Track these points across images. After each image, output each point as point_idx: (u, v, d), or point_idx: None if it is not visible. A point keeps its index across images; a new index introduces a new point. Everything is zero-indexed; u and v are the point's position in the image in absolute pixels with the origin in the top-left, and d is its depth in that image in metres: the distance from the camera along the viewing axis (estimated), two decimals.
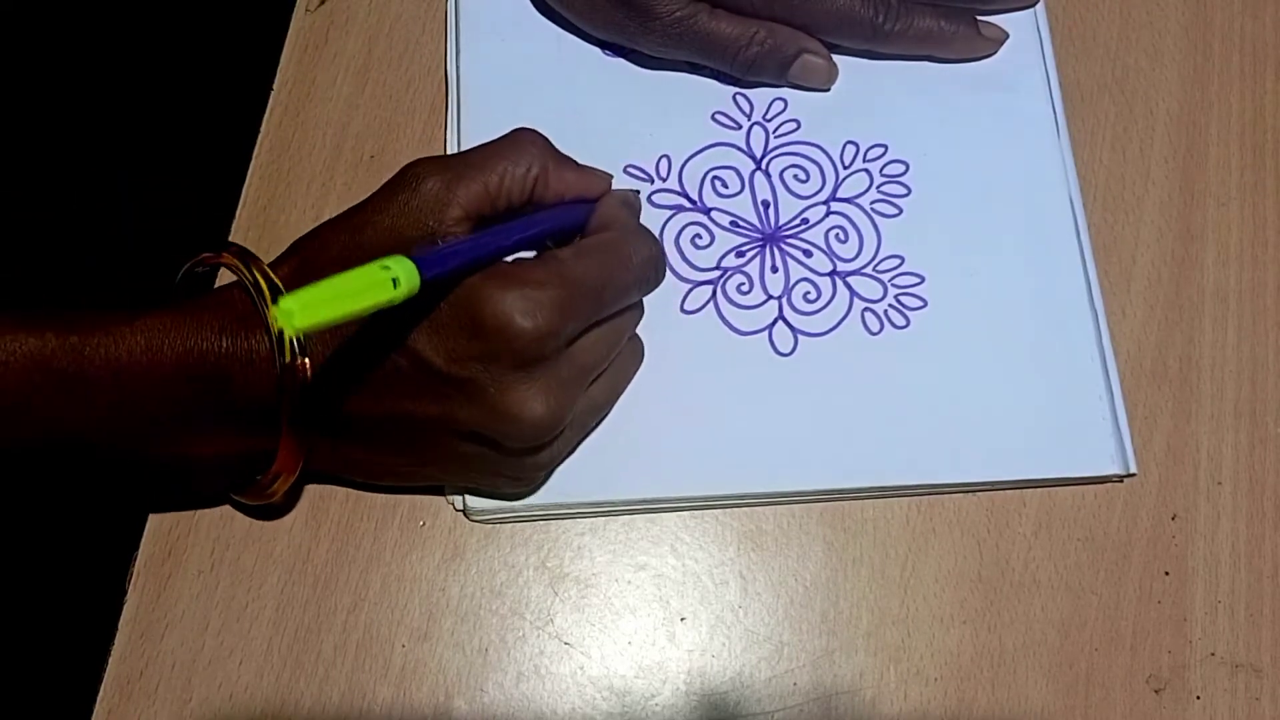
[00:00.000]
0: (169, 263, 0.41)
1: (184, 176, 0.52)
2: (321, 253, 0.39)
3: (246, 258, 0.39)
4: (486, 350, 0.37)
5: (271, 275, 0.38)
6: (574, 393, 0.40)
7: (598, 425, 0.44)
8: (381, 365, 0.38)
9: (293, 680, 0.42)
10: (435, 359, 0.37)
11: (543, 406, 0.38)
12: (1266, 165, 0.51)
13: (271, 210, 0.48)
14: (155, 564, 0.43)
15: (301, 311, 0.29)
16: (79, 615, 0.46)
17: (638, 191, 0.47)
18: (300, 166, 0.49)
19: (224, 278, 0.42)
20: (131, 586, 0.43)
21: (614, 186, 0.45)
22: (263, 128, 0.50)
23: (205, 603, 0.43)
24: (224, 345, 0.37)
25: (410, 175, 0.39)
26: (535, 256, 0.40)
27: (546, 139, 0.42)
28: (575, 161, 0.43)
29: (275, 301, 0.37)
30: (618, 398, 0.44)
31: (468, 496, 0.44)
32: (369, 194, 0.40)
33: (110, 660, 0.42)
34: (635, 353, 0.45)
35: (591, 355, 0.40)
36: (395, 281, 0.31)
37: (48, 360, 0.36)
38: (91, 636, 0.43)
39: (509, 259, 0.39)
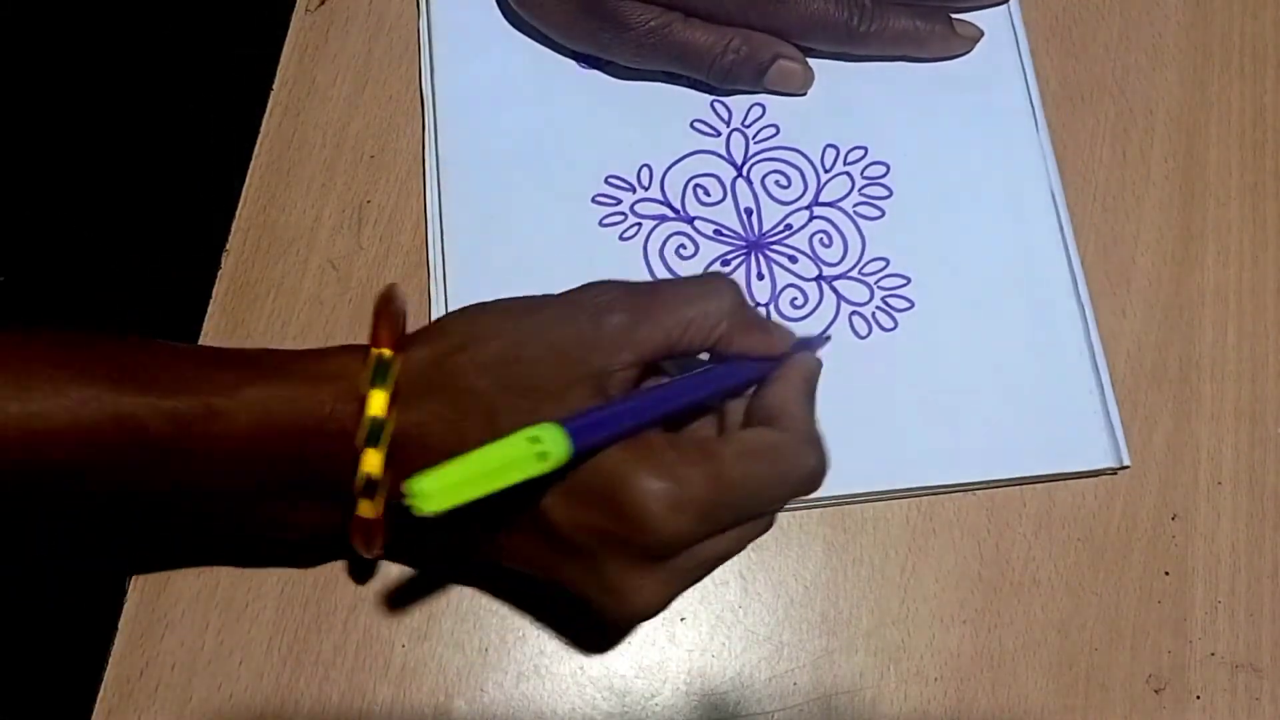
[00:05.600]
0: (169, 262, 0.41)
1: (184, 176, 0.52)
2: (478, 347, 0.36)
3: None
4: (616, 533, 0.34)
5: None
6: (690, 583, 0.37)
7: None
8: (496, 505, 0.34)
9: (293, 680, 0.42)
10: (558, 517, 0.35)
11: (654, 598, 0.36)
12: (1266, 165, 0.51)
13: (271, 210, 0.48)
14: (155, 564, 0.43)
15: (439, 495, 0.28)
16: (79, 615, 0.46)
17: (819, 360, 0.40)
18: (300, 166, 0.49)
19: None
20: (131, 586, 0.43)
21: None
22: (263, 128, 0.50)
23: (205, 603, 0.43)
24: (333, 427, 0.35)
25: (594, 304, 0.37)
26: (694, 443, 0.36)
27: (740, 290, 0.38)
28: (762, 319, 0.40)
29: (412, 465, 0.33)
30: None
31: None
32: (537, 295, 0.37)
33: (110, 660, 0.42)
34: (760, 529, 0.39)
35: (720, 550, 0.37)
36: (543, 454, 0.29)
37: (143, 429, 0.34)
38: (91, 636, 0.43)
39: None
